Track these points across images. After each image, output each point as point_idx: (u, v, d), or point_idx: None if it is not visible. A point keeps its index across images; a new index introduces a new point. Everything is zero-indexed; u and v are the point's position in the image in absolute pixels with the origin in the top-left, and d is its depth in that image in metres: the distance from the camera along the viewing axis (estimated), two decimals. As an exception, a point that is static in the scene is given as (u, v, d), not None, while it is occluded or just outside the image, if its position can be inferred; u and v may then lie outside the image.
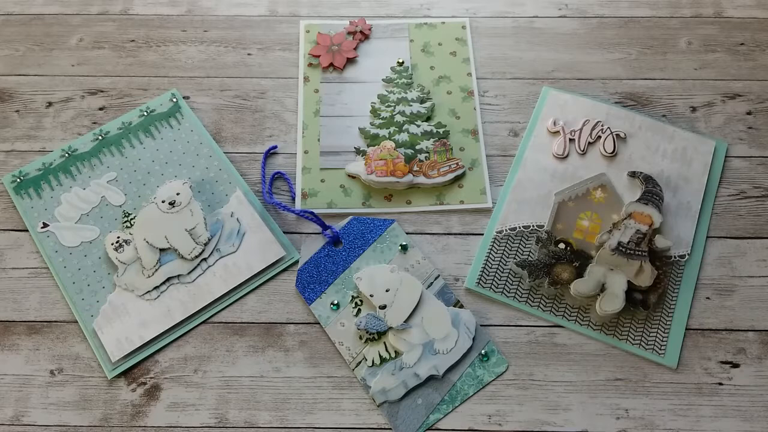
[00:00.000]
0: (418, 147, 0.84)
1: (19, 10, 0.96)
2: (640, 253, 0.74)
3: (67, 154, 0.83)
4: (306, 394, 0.71)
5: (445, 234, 0.80)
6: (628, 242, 0.74)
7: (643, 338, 0.73)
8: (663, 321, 0.74)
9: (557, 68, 0.91)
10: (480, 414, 0.70)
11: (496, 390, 0.71)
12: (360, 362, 0.72)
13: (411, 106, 0.86)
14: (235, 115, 0.87)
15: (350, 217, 0.80)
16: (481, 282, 0.76)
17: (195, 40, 0.93)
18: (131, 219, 0.78)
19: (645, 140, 0.84)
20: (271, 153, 0.85)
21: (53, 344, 0.73)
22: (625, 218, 0.76)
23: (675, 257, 0.77)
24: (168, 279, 0.76)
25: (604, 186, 0.81)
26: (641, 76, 0.90)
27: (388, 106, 0.87)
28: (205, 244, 0.77)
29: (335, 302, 0.75)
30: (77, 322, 0.74)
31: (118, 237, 0.77)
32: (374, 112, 0.87)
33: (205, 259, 0.77)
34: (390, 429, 0.69)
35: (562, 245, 0.76)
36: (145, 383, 0.72)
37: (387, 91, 0.88)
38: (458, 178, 0.83)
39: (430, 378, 0.71)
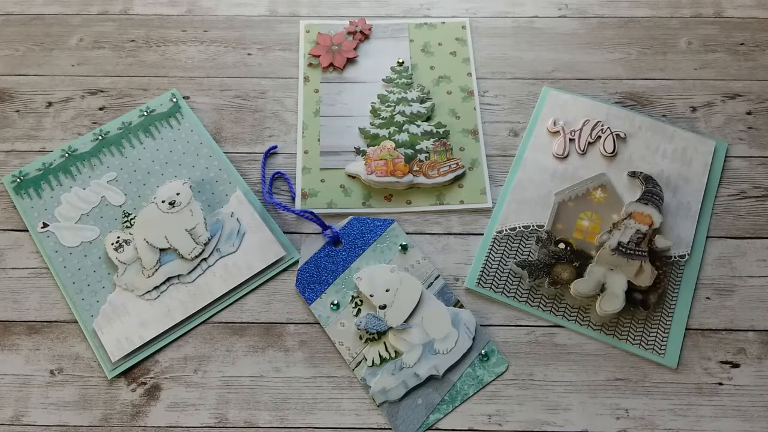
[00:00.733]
0: (418, 147, 0.84)
1: (19, 10, 0.96)
2: (640, 253, 0.74)
3: (67, 154, 0.83)
4: (306, 394, 0.71)
5: (445, 234, 0.80)
6: (628, 242, 0.74)
7: (643, 338, 0.73)
8: (663, 321, 0.74)
9: (557, 68, 0.91)
10: (480, 414, 0.70)
11: (496, 390, 0.71)
12: (360, 362, 0.72)
13: (411, 106, 0.86)
14: (235, 115, 0.87)
15: (350, 217, 0.80)
16: (481, 282, 0.76)
17: (195, 40, 0.93)
18: (131, 219, 0.78)
19: (645, 140, 0.84)
20: (271, 153, 0.85)
21: (53, 344, 0.73)
22: (625, 218, 0.76)
23: (675, 257, 0.77)
24: (168, 279, 0.76)
25: (604, 186, 0.81)
26: (641, 76, 0.90)
27: (388, 106, 0.87)
28: (205, 244, 0.77)
29: (335, 302, 0.75)
30: (77, 322, 0.74)
31: (118, 237, 0.77)
32: (374, 112, 0.87)
33: (205, 259, 0.77)
34: (390, 429, 0.69)
35: (562, 245, 0.76)
36: (145, 383, 0.71)
37: (387, 91, 0.88)
38: (458, 178, 0.83)
39: (430, 378, 0.70)
